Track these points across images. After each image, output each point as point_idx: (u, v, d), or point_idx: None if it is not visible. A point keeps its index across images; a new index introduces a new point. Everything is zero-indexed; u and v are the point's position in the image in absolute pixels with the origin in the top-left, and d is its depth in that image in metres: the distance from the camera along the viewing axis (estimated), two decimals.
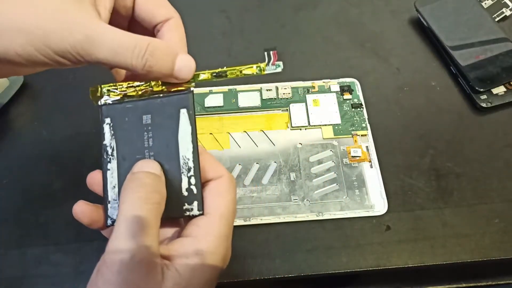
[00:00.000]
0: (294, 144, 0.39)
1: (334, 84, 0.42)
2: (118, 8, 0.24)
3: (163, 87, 0.24)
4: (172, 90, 0.23)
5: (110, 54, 0.20)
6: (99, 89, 0.24)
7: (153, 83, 0.24)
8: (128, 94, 0.24)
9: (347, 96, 0.41)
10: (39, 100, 0.42)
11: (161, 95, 0.23)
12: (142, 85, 0.24)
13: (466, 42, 0.43)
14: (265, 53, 0.25)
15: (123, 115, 0.23)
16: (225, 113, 0.40)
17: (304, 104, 0.41)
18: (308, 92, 0.41)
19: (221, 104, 0.41)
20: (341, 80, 0.42)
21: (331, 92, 0.41)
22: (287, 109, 0.40)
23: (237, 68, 0.25)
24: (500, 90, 0.41)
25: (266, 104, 0.41)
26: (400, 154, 0.38)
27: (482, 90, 0.40)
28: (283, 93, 0.41)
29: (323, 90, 0.42)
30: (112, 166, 0.23)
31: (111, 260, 0.19)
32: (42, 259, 0.34)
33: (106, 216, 0.23)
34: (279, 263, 0.33)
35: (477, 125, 0.40)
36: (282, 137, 0.39)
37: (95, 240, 0.34)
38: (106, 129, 0.23)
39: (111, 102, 0.23)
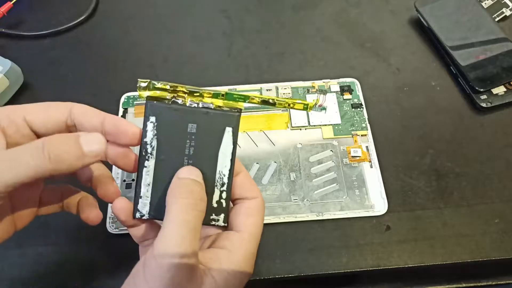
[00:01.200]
0: (294, 144, 0.39)
1: (334, 84, 0.42)
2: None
3: (213, 99, 0.24)
4: (221, 105, 0.24)
5: (12, 168, 0.19)
6: (151, 84, 0.24)
7: (205, 93, 0.24)
8: (178, 96, 0.24)
9: (347, 96, 0.41)
10: (39, 100, 0.42)
11: (212, 107, 0.24)
12: (194, 92, 0.24)
13: (466, 42, 0.43)
14: (317, 95, 0.28)
15: (169, 117, 0.23)
16: None
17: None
18: (308, 92, 0.41)
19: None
20: (341, 80, 0.42)
21: (331, 92, 0.41)
22: (287, 109, 0.40)
23: (287, 100, 0.25)
24: (500, 90, 0.41)
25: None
26: (400, 154, 0.38)
27: (482, 90, 0.40)
28: (283, 93, 0.41)
29: (323, 90, 0.42)
30: (150, 164, 0.23)
31: (161, 257, 0.20)
32: (42, 259, 0.34)
33: (135, 209, 0.24)
34: (279, 263, 0.33)
35: (477, 125, 0.40)
36: (282, 137, 0.39)
37: (95, 240, 0.34)
38: (149, 127, 0.23)
39: (159, 101, 0.24)
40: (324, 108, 0.28)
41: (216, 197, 0.24)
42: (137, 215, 0.24)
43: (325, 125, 0.39)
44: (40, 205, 0.25)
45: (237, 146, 0.24)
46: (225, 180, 0.24)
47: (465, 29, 0.43)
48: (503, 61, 0.41)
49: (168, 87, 0.24)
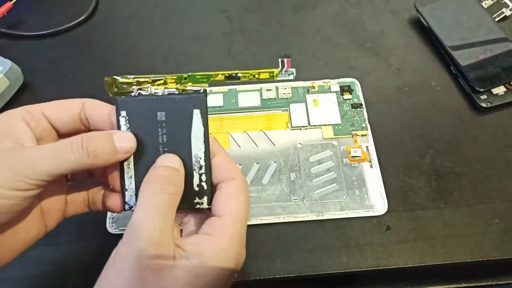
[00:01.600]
0: (294, 144, 0.39)
1: (334, 84, 0.42)
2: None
3: (177, 85, 0.24)
4: (186, 88, 0.24)
5: (54, 160, 0.21)
6: (115, 80, 0.24)
7: (168, 79, 0.24)
8: (143, 88, 0.24)
9: (347, 96, 0.41)
10: (39, 100, 0.42)
11: (176, 92, 0.24)
12: (157, 80, 0.24)
13: (466, 42, 0.43)
14: (279, 60, 0.27)
15: (138, 109, 0.24)
16: (225, 113, 0.40)
17: (304, 104, 0.41)
18: (308, 92, 0.41)
19: (221, 104, 0.41)
20: (341, 80, 0.42)
21: (331, 92, 0.41)
22: (287, 109, 0.40)
23: (251, 71, 0.25)
24: (500, 90, 0.41)
25: (266, 104, 0.41)
26: (400, 154, 0.38)
27: (482, 90, 0.40)
28: (283, 93, 0.41)
29: (323, 90, 0.42)
30: (129, 158, 0.24)
31: (130, 237, 0.21)
32: (42, 259, 0.34)
33: (124, 202, 0.24)
34: (279, 263, 0.33)
35: (477, 125, 0.40)
36: (282, 137, 0.39)
37: (95, 240, 0.34)
38: (122, 121, 0.24)
39: (126, 95, 0.24)
40: (292, 73, 0.27)
41: (196, 180, 0.24)
42: (126, 207, 0.24)
43: (325, 125, 0.39)
44: (67, 205, 0.26)
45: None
46: (202, 162, 0.24)
47: (465, 29, 0.43)
48: (503, 61, 0.41)
49: (132, 79, 0.24)
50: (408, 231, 0.35)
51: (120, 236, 0.34)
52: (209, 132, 0.24)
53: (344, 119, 0.40)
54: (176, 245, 0.22)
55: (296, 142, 0.39)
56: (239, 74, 0.25)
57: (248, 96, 0.41)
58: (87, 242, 0.34)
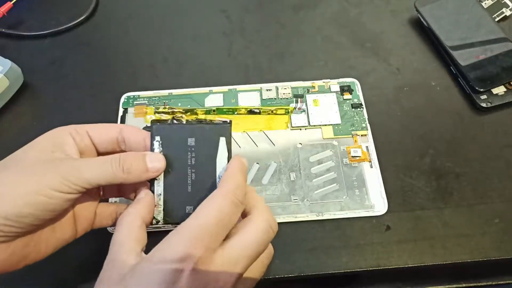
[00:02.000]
0: (294, 144, 0.39)
1: (334, 84, 0.42)
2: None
3: (206, 116, 0.29)
4: (214, 120, 0.28)
5: (95, 171, 0.25)
6: (158, 117, 0.29)
7: (198, 111, 0.30)
8: (176, 118, 0.28)
9: (347, 96, 0.41)
10: (39, 100, 0.42)
11: (205, 122, 0.27)
12: (189, 111, 0.29)
13: (466, 42, 0.43)
14: (294, 99, 0.35)
15: (171, 135, 0.27)
16: (225, 113, 0.40)
17: (304, 104, 0.41)
18: (308, 92, 0.41)
19: (221, 104, 0.41)
20: (341, 80, 0.42)
21: (331, 92, 0.41)
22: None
23: (269, 108, 0.32)
24: (500, 90, 0.41)
25: (266, 104, 0.41)
26: (400, 154, 0.38)
27: (482, 90, 0.40)
28: (283, 93, 0.41)
29: (323, 90, 0.42)
30: (159, 177, 0.26)
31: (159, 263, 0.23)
32: (42, 259, 0.34)
33: (153, 217, 0.27)
34: (279, 263, 0.33)
35: (477, 125, 0.40)
36: (282, 137, 0.39)
37: (95, 240, 0.34)
38: (156, 145, 0.27)
39: (161, 123, 0.27)
40: (304, 110, 0.33)
41: None
42: (153, 221, 0.27)
43: (325, 125, 0.39)
44: (95, 216, 0.29)
45: (232, 150, 0.27)
46: None
47: (465, 29, 0.43)
48: (503, 61, 0.41)
49: (167, 109, 0.29)
50: (408, 231, 0.35)
51: None
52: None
53: (344, 119, 0.40)
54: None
55: (296, 142, 0.39)
56: (259, 110, 0.31)
57: (248, 96, 0.41)
58: (87, 242, 0.34)
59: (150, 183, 0.27)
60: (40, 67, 0.44)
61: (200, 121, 0.28)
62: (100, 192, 0.29)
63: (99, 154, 0.28)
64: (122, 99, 0.41)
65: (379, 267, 0.33)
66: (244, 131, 0.39)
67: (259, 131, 0.39)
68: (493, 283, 0.38)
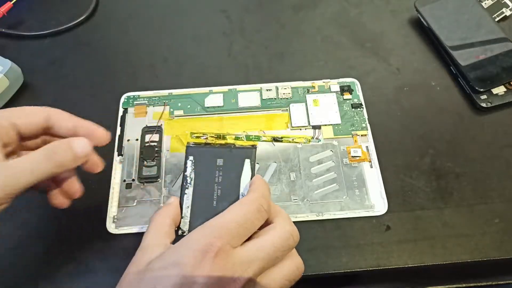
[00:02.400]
0: (294, 144, 0.39)
1: (334, 84, 0.42)
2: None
3: (234, 140, 0.37)
4: (241, 144, 0.33)
5: (30, 174, 0.24)
6: (194, 140, 0.35)
7: (228, 136, 0.37)
8: (208, 142, 0.34)
9: (347, 96, 0.41)
10: (39, 100, 0.42)
11: (234, 146, 0.31)
12: (219, 138, 0.36)
13: (466, 42, 0.43)
14: (313, 129, 0.39)
15: (203, 156, 0.30)
16: (225, 113, 0.40)
17: (304, 104, 0.41)
18: (308, 92, 0.41)
19: (221, 104, 0.41)
20: (341, 80, 0.42)
21: (331, 92, 0.41)
22: (287, 109, 0.40)
23: (291, 136, 0.38)
24: (500, 90, 0.41)
25: (266, 104, 0.41)
26: (400, 154, 0.38)
27: (482, 90, 0.40)
28: (283, 93, 0.41)
29: (323, 90, 0.42)
30: (189, 191, 0.29)
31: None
32: (41, 259, 0.34)
33: (178, 227, 0.28)
34: None
35: (477, 125, 0.40)
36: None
37: (95, 240, 0.34)
38: (189, 164, 0.30)
39: (194, 145, 0.31)
40: (320, 140, 0.38)
41: None
42: (179, 232, 0.28)
43: (325, 125, 0.39)
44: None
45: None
46: None
47: (465, 29, 0.43)
48: (503, 61, 0.41)
49: (201, 135, 0.37)
50: (408, 231, 0.35)
51: (120, 236, 0.34)
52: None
53: (344, 119, 0.40)
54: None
55: (296, 142, 0.39)
56: (283, 138, 0.37)
57: (248, 96, 0.41)
58: (87, 242, 0.34)
59: (180, 196, 0.29)
60: (40, 67, 0.44)
61: (229, 146, 0.31)
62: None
63: (23, 139, 0.28)
64: (122, 99, 0.41)
65: (379, 267, 0.33)
66: (244, 131, 0.39)
67: (259, 131, 0.39)
68: (493, 283, 0.38)
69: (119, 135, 0.39)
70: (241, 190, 0.29)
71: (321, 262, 0.33)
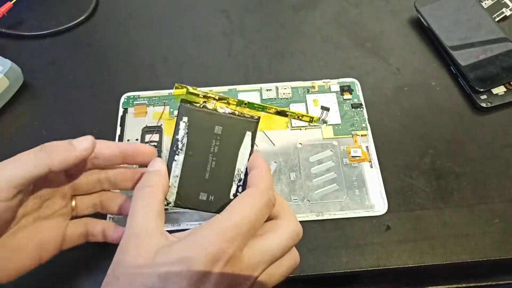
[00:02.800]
0: (294, 144, 0.39)
1: (334, 84, 0.42)
2: None
3: (237, 107, 0.29)
4: (244, 112, 0.28)
5: (26, 169, 0.24)
6: (186, 89, 0.27)
7: (230, 100, 0.28)
8: (208, 102, 0.28)
9: (347, 96, 0.41)
10: (39, 100, 0.42)
11: (236, 113, 0.27)
12: (221, 99, 0.28)
13: (466, 42, 0.43)
14: (321, 109, 0.32)
15: (199, 119, 0.27)
16: None
17: (304, 104, 0.41)
18: (308, 92, 0.41)
19: None
20: (341, 80, 0.42)
21: (331, 92, 0.41)
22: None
23: (297, 112, 0.31)
24: (500, 90, 0.41)
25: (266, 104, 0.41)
26: (400, 154, 0.38)
27: (482, 90, 0.40)
28: (283, 93, 0.41)
29: (323, 90, 0.42)
30: (179, 158, 0.26)
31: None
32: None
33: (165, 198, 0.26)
34: None
35: (477, 125, 0.40)
36: (282, 137, 0.39)
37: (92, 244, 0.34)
38: (182, 126, 0.26)
39: (190, 105, 0.27)
40: (326, 122, 0.34)
41: (233, 190, 0.27)
42: (165, 202, 0.26)
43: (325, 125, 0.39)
44: (64, 239, 0.28)
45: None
46: (242, 176, 0.27)
47: (465, 29, 0.43)
48: (503, 61, 0.41)
49: (200, 92, 0.28)
50: (408, 231, 0.35)
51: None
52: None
53: (344, 119, 0.40)
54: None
55: (296, 142, 0.39)
56: (288, 113, 0.31)
57: (248, 96, 0.41)
58: (87, 242, 0.34)
59: (167, 162, 0.26)
60: (40, 67, 0.44)
61: (230, 112, 0.27)
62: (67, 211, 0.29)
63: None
64: (122, 99, 0.41)
65: (379, 267, 0.33)
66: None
67: (259, 131, 0.39)
68: (493, 283, 0.38)
69: (119, 135, 0.39)
70: (238, 166, 0.27)
71: (321, 262, 0.33)
